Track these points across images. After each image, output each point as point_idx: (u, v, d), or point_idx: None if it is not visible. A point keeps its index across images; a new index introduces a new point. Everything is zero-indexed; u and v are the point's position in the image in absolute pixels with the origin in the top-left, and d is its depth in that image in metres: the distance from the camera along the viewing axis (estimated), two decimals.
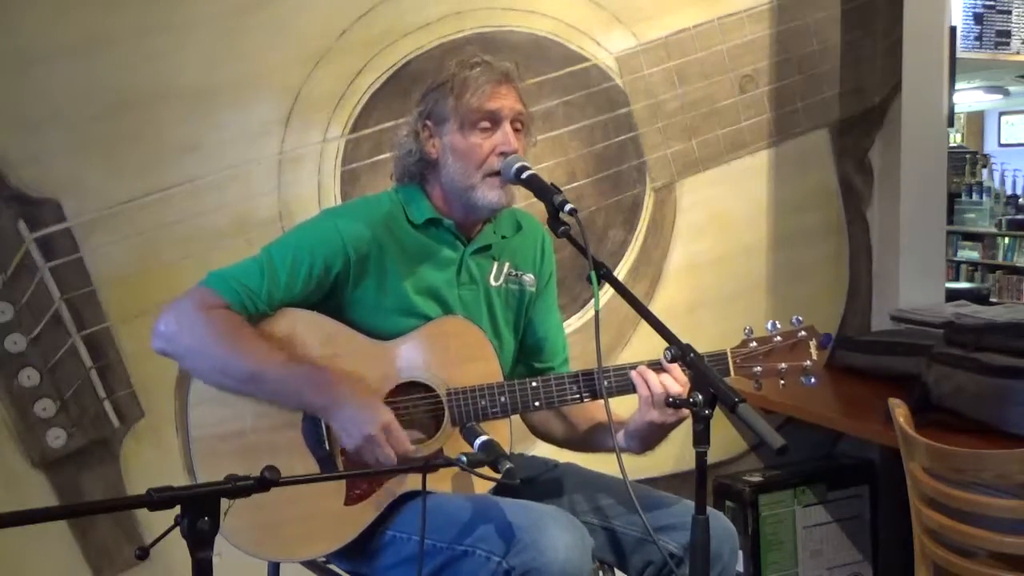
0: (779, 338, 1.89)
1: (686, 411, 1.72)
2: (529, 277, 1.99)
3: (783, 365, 1.88)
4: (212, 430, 1.76)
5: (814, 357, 1.89)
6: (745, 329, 1.90)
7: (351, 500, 1.77)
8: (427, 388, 1.81)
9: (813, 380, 1.90)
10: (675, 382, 1.75)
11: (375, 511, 1.78)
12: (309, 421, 1.77)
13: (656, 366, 1.79)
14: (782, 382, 1.89)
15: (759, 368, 1.87)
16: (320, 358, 1.78)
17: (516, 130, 1.85)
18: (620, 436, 1.83)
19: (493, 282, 1.95)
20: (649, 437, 1.79)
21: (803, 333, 1.90)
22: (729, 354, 1.87)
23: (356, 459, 1.75)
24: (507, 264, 1.96)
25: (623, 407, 1.83)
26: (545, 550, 1.61)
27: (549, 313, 2.05)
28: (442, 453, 1.79)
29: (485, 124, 1.82)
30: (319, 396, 1.73)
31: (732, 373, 1.87)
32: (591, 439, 1.96)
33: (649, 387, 1.75)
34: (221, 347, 1.72)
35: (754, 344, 1.88)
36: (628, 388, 1.82)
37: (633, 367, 1.81)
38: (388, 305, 1.83)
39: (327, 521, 1.77)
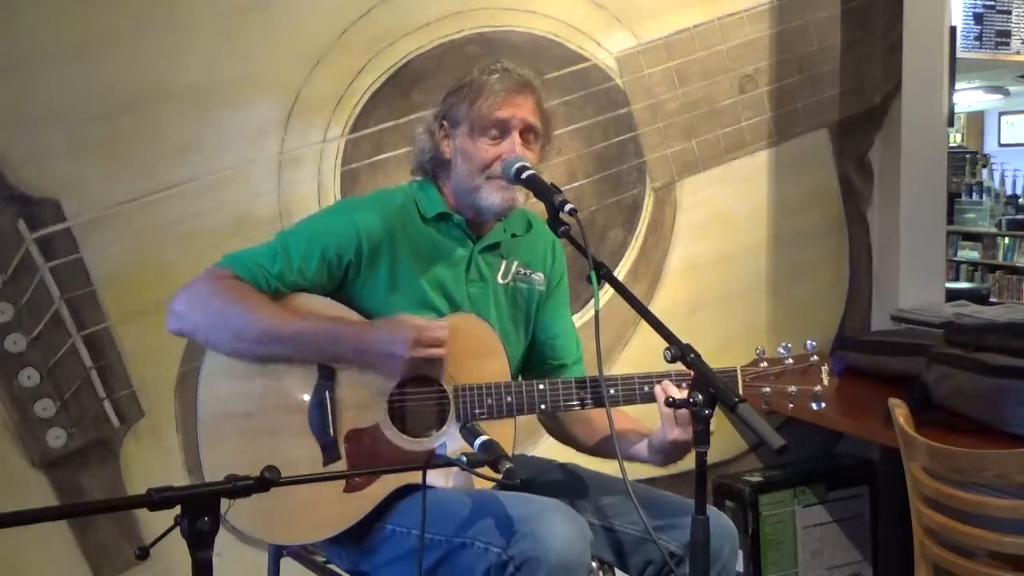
0: (791, 361, 1.87)
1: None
2: (539, 276, 2.00)
3: (793, 388, 1.86)
4: (219, 411, 1.77)
5: (825, 383, 1.87)
6: (757, 349, 1.89)
7: (351, 487, 1.78)
8: (435, 382, 1.81)
9: (823, 405, 1.87)
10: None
11: (374, 500, 1.78)
12: (315, 406, 1.77)
13: (682, 381, 1.77)
14: (791, 405, 1.87)
15: (768, 389, 1.86)
16: None
17: (527, 141, 1.86)
18: (644, 448, 1.83)
19: (501, 280, 1.95)
20: (671, 452, 1.77)
21: (815, 358, 1.88)
22: (739, 372, 1.86)
23: (360, 444, 1.77)
24: (516, 263, 1.97)
25: (652, 418, 1.81)
26: (544, 540, 1.61)
27: (560, 312, 2.06)
28: (445, 448, 1.79)
29: (494, 132, 1.84)
30: (339, 345, 1.76)
31: (741, 391, 1.85)
32: (607, 447, 1.94)
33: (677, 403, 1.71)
34: (232, 309, 1.74)
35: (765, 364, 1.87)
36: (634, 398, 1.82)
37: (646, 378, 1.81)
38: (399, 296, 1.85)
39: (327, 507, 1.77)
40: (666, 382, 1.78)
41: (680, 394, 1.72)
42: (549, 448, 2.12)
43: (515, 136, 1.84)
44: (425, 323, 1.77)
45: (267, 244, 1.84)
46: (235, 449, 1.75)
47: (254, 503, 1.67)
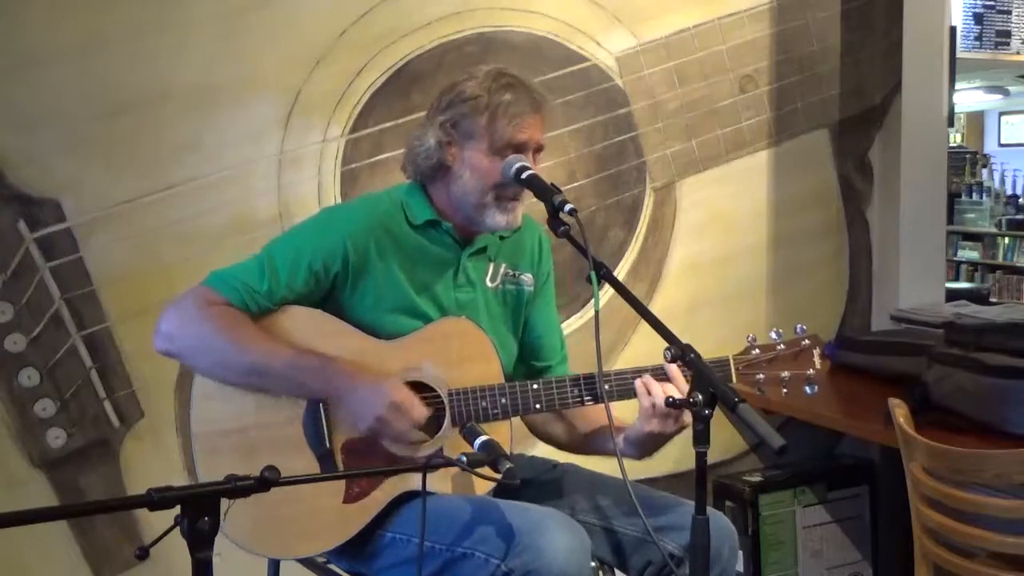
0: (782, 346, 1.88)
1: (686, 421, 1.73)
2: (527, 277, 2.00)
3: (786, 373, 1.87)
4: (213, 426, 1.76)
5: (817, 366, 1.89)
6: (748, 337, 1.89)
7: (350, 498, 1.78)
8: (429, 388, 1.81)
9: (816, 388, 1.89)
10: (678, 392, 1.73)
11: (374, 510, 1.78)
12: (309, 418, 1.77)
13: (660, 375, 1.79)
14: (785, 390, 1.88)
15: (761, 375, 1.87)
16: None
17: (536, 160, 1.87)
18: (620, 441, 1.83)
19: (489, 283, 1.95)
20: (648, 444, 1.79)
21: (807, 342, 1.89)
22: (732, 361, 1.87)
23: (357, 455, 1.76)
24: (503, 265, 1.97)
25: (626, 411, 1.83)
26: (544, 552, 1.62)
27: (547, 312, 2.05)
28: (442, 453, 1.79)
29: (510, 152, 1.83)
30: (324, 385, 1.75)
31: (734, 380, 1.86)
32: (591, 442, 1.96)
33: (652, 397, 1.75)
34: (221, 341, 1.73)
35: (757, 351, 1.88)
36: (629, 393, 1.82)
37: (637, 373, 1.82)
38: (388, 304, 1.84)
39: (326, 519, 1.77)
40: (646, 376, 1.79)
41: (661, 389, 1.74)
42: (549, 448, 2.12)
43: (530, 156, 1.84)
44: (413, 407, 1.74)
45: (254, 259, 1.82)
46: (231, 464, 1.72)
47: (252, 517, 1.69)
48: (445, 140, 1.85)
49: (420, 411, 1.75)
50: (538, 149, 1.87)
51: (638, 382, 1.79)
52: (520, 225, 1.90)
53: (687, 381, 1.74)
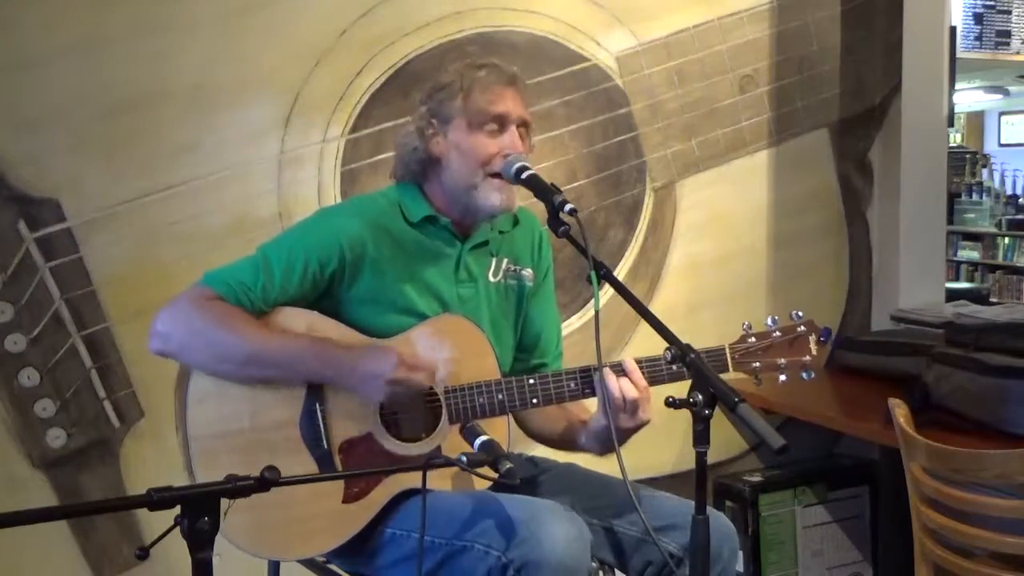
0: (778, 333, 1.89)
1: (643, 418, 1.74)
2: (528, 271, 2.00)
3: (782, 360, 1.88)
4: (210, 429, 1.76)
5: (813, 352, 1.89)
6: (744, 324, 1.90)
7: (349, 498, 1.77)
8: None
9: (813, 375, 1.90)
10: (632, 387, 1.75)
11: (373, 509, 1.78)
12: (306, 420, 1.77)
13: (617, 369, 1.78)
14: (782, 378, 1.89)
15: (757, 363, 1.87)
16: None
17: (521, 136, 1.86)
18: (583, 437, 1.85)
19: (492, 278, 1.95)
20: (608, 441, 1.77)
21: (802, 328, 1.90)
22: (727, 350, 1.87)
23: (355, 455, 1.76)
24: (505, 260, 1.97)
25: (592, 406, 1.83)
26: (543, 542, 1.61)
27: (546, 307, 2.06)
28: (440, 451, 1.79)
29: (492, 126, 1.83)
30: (324, 367, 1.75)
31: (730, 369, 1.86)
32: (566, 438, 1.95)
33: (608, 392, 1.75)
34: (217, 333, 1.73)
35: (753, 339, 1.88)
36: None
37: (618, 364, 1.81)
38: (385, 303, 1.84)
39: (325, 520, 1.77)
40: (606, 370, 1.76)
41: (619, 383, 1.74)
42: (549, 448, 2.12)
43: (514, 130, 1.84)
44: (420, 355, 1.77)
45: (248, 259, 1.82)
46: (228, 468, 1.73)
47: (252, 520, 1.69)
48: (429, 131, 1.85)
49: (424, 357, 1.76)
50: (522, 124, 1.86)
51: (606, 373, 1.77)
52: (515, 206, 1.89)
53: (643, 374, 1.77)
